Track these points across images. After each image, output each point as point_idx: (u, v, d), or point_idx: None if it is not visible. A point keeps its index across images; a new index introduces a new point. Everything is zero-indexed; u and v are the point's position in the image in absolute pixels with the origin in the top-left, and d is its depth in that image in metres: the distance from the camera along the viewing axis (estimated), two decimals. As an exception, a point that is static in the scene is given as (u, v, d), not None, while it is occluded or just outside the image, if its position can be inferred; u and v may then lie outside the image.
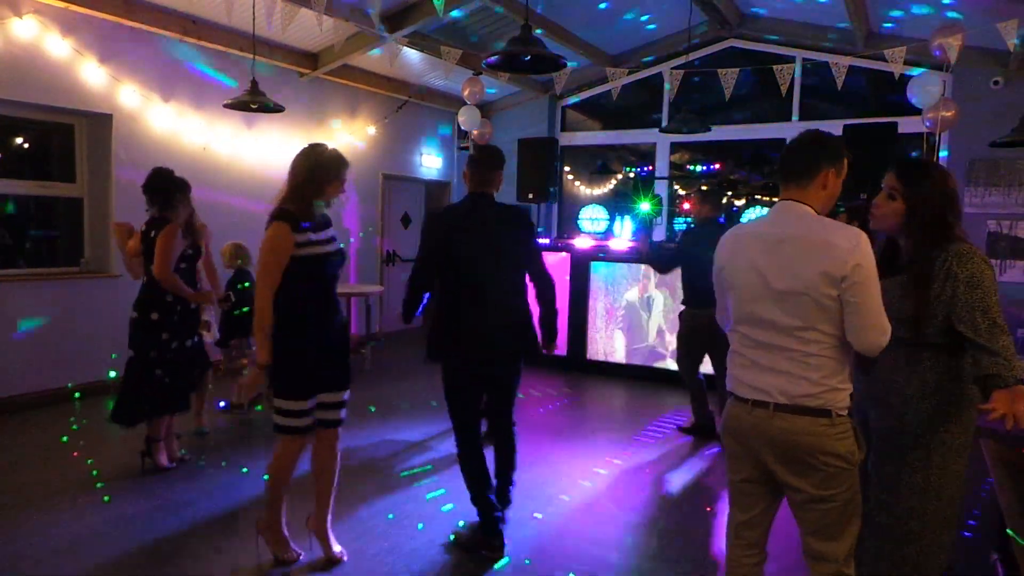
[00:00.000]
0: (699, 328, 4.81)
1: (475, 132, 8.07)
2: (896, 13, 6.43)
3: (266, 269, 2.84)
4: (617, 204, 9.50)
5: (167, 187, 4.07)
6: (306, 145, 3.00)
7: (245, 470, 4.22)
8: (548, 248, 7.53)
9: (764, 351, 2.08)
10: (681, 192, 9.28)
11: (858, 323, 1.96)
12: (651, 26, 7.78)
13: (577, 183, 9.98)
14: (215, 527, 3.48)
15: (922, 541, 2.34)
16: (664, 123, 8.10)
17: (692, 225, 5.35)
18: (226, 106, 5.54)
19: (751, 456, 2.16)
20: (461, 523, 3.47)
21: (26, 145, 5.92)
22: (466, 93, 7.66)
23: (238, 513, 3.64)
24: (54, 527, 3.40)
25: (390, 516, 3.63)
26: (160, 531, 3.41)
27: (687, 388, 5.24)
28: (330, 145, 3.05)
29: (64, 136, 5.89)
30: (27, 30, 5.17)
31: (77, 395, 5.57)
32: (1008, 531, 2.30)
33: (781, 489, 2.16)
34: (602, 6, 7.08)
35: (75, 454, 4.40)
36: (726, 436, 2.24)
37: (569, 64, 4.11)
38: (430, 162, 9.44)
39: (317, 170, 2.91)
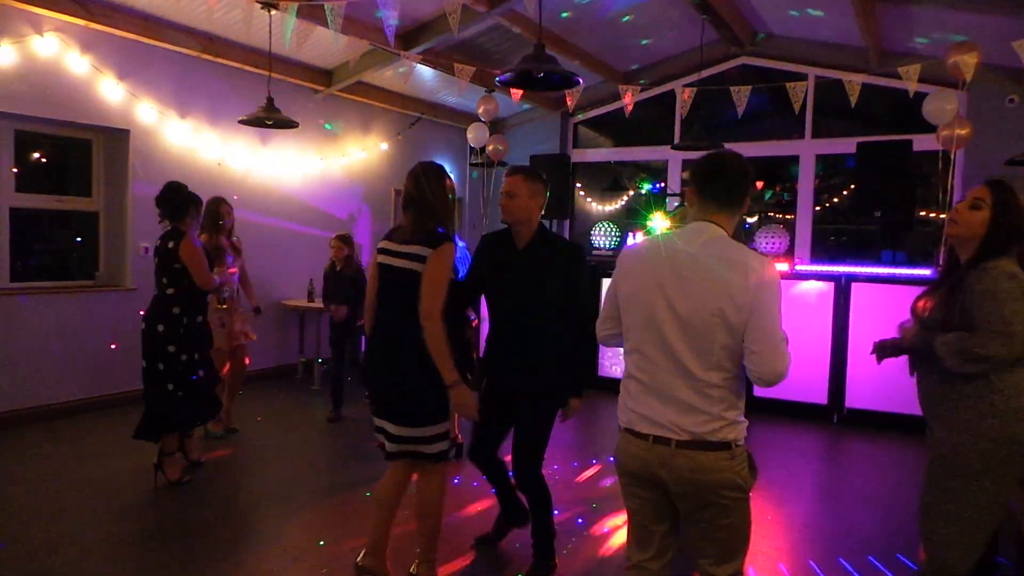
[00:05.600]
0: None
1: (489, 148, 8.10)
2: (913, 35, 6.42)
3: (443, 290, 2.76)
4: (629, 221, 9.49)
5: (179, 200, 4.15)
6: (424, 163, 2.92)
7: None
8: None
9: (664, 378, 2.00)
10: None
11: (758, 348, 1.90)
12: (663, 44, 7.82)
13: (589, 200, 10.00)
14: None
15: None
16: (676, 140, 8.11)
17: None
18: (241, 122, 5.61)
19: (651, 494, 2.08)
20: None
21: (44, 160, 6.00)
22: (480, 110, 7.70)
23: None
24: (63, 540, 3.41)
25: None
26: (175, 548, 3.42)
27: None
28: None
29: (81, 151, 5.97)
30: (48, 47, 5.26)
31: (90, 407, 5.60)
32: None
33: (678, 517, 2.14)
34: (617, 23, 7.11)
35: (79, 468, 4.42)
36: (625, 475, 2.14)
37: (581, 81, 4.12)
38: (442, 178, 9.46)
39: (450, 191, 2.90)
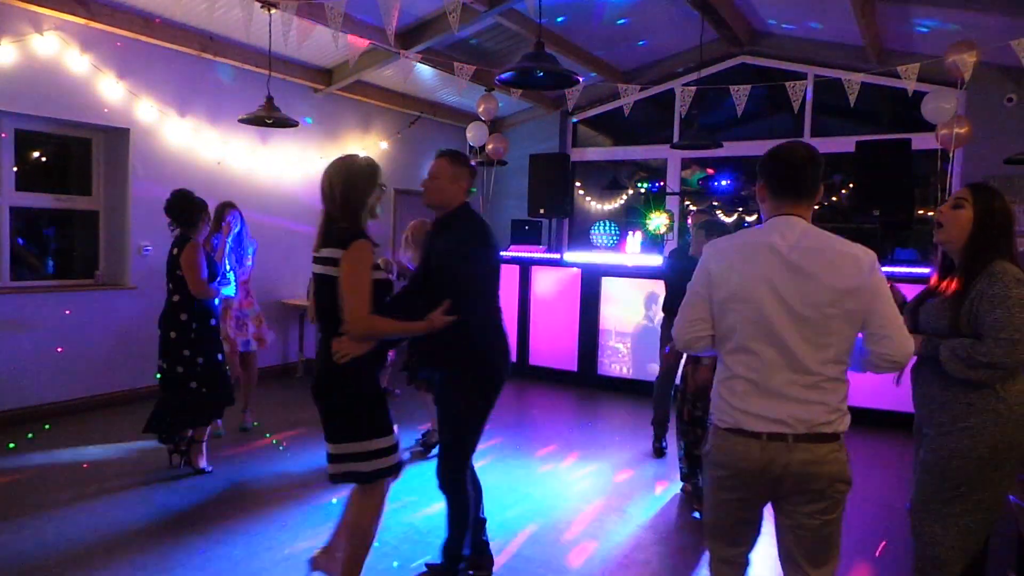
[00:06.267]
0: None
1: (489, 147, 8.10)
2: (910, 29, 6.43)
3: (365, 289, 2.54)
4: (628, 220, 9.51)
5: (189, 207, 4.20)
6: (338, 158, 2.74)
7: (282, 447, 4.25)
8: (559, 264, 7.54)
9: (777, 374, 1.97)
10: (692, 208, 9.27)
11: (888, 332, 1.94)
12: (663, 43, 7.82)
13: (588, 198, 10.01)
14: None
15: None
16: (675, 139, 8.11)
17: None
18: (241, 121, 5.61)
19: (756, 491, 2.05)
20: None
21: (44, 159, 6.00)
22: (481, 109, 7.71)
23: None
24: (62, 540, 3.43)
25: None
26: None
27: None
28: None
29: (82, 150, 5.97)
30: (48, 46, 5.26)
31: (89, 405, 5.61)
32: None
33: (763, 517, 2.16)
34: (616, 23, 7.12)
35: (84, 466, 4.43)
36: (730, 475, 2.07)
37: (581, 80, 4.13)
38: (442, 177, 9.47)
39: (362, 183, 2.66)
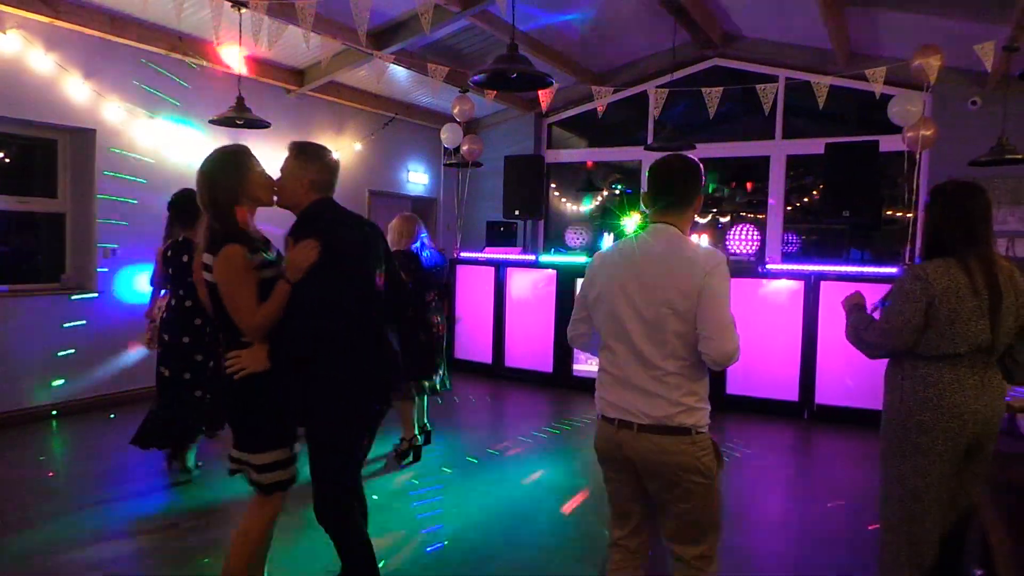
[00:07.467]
0: None
1: (464, 148, 8.09)
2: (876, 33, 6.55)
3: (245, 293, 2.39)
4: (603, 221, 9.56)
5: (196, 209, 4.01)
6: (210, 154, 2.58)
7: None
8: (534, 265, 7.54)
9: (628, 368, 2.18)
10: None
11: (709, 334, 2.05)
12: (636, 45, 7.87)
13: (563, 200, 10.04)
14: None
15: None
16: (649, 141, 8.17)
17: None
18: (212, 122, 5.53)
19: (623, 472, 2.25)
20: None
21: (7, 160, 5.86)
22: (456, 111, 7.70)
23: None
24: (61, 545, 3.35)
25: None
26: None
27: None
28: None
29: (47, 151, 5.84)
30: (10, 45, 5.14)
31: (54, 412, 5.49)
32: None
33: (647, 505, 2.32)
34: (589, 25, 7.15)
35: (50, 475, 4.33)
36: (600, 458, 2.33)
37: (555, 82, 4.14)
38: (416, 178, 9.45)
39: (221, 175, 2.51)
